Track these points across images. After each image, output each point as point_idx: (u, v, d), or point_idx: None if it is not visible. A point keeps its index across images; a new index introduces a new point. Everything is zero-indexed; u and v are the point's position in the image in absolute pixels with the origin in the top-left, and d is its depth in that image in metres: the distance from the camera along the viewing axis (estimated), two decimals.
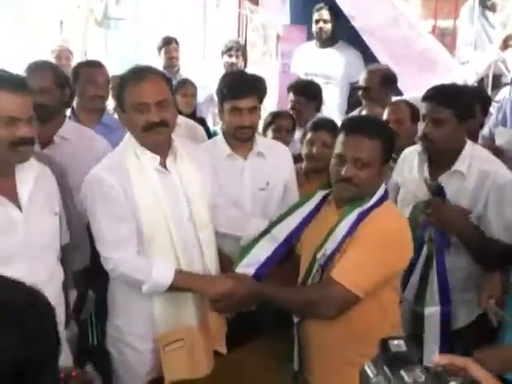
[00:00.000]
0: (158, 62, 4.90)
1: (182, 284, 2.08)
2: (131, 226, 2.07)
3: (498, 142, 3.09)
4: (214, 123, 4.76)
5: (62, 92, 2.74)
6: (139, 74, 2.09)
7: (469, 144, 2.37)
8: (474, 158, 2.34)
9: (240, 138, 2.50)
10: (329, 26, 4.49)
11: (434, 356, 0.86)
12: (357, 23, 4.36)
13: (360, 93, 3.75)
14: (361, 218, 1.94)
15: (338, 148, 1.99)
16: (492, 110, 3.35)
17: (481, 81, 4.62)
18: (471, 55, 4.72)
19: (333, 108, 4.37)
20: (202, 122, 4.14)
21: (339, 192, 2.01)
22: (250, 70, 4.78)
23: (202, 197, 2.23)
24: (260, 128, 3.18)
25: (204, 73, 5.09)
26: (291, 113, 3.52)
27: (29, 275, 1.43)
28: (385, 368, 0.86)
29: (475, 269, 2.37)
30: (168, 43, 5.02)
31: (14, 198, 1.87)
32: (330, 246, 1.94)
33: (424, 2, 4.76)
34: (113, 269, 2.08)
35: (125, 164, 2.09)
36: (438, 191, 2.30)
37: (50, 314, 0.99)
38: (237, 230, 2.38)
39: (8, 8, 6.93)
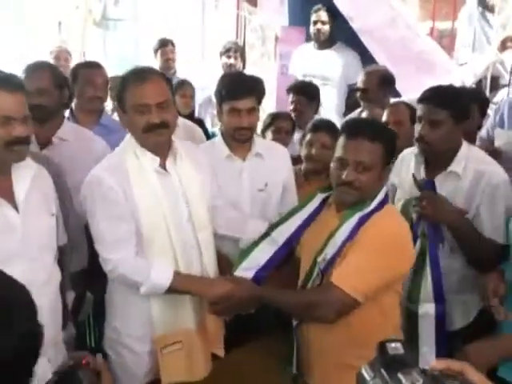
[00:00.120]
0: (155, 64, 4.89)
1: (180, 286, 2.08)
2: (130, 226, 2.07)
3: (497, 143, 3.09)
4: (213, 124, 4.76)
5: (60, 93, 2.73)
6: (140, 74, 2.09)
7: (465, 145, 2.38)
8: (469, 159, 2.34)
9: (238, 139, 2.50)
10: (327, 28, 4.48)
11: (429, 356, 0.86)
12: (355, 24, 4.36)
13: (358, 94, 3.75)
14: (361, 223, 1.93)
15: (338, 151, 1.99)
16: (490, 111, 3.35)
17: (479, 82, 4.63)
18: (469, 57, 4.73)
19: (330, 109, 4.38)
20: (200, 123, 4.14)
21: (340, 196, 2.01)
22: (249, 71, 4.79)
23: (201, 198, 2.23)
24: (259, 129, 3.17)
25: (202, 74, 5.09)
26: (291, 114, 3.51)
27: (27, 275, 1.43)
28: (382, 371, 0.86)
29: (470, 270, 2.37)
30: (164, 45, 5.01)
31: (10, 198, 1.87)
32: (330, 251, 1.94)
33: (422, 4, 4.77)
34: (112, 270, 2.08)
35: (124, 165, 2.10)
36: (425, 187, 2.32)
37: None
38: (236, 232, 2.38)
39: (7, 8, 6.92)
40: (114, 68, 4.40)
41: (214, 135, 3.71)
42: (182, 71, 5.07)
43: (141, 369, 2.21)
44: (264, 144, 2.67)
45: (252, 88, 2.48)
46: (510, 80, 4.39)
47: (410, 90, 3.81)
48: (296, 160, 2.83)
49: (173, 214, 2.12)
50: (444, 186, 2.34)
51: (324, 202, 2.12)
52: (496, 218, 2.31)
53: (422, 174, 2.41)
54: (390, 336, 0.88)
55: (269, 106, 4.50)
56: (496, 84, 4.64)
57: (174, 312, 2.17)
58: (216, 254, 2.30)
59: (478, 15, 4.95)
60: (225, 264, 2.33)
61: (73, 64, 4.51)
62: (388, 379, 0.85)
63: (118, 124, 3.22)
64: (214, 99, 2.89)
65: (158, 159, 2.12)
